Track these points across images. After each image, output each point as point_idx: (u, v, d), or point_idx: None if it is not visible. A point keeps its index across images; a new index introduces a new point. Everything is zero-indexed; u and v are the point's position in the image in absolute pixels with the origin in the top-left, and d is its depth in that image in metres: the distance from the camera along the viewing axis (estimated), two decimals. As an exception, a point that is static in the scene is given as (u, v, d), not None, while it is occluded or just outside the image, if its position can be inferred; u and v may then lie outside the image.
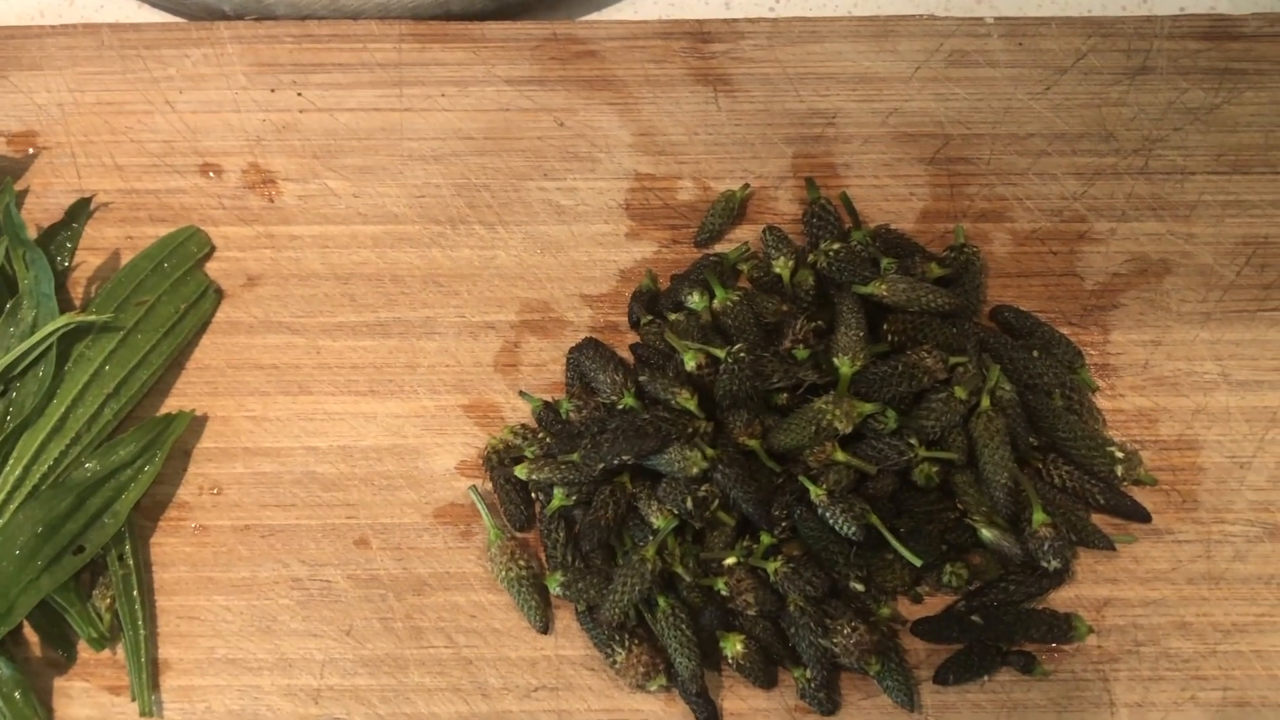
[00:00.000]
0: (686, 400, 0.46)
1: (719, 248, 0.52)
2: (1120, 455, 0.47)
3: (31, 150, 0.54)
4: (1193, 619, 0.47)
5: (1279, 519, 0.48)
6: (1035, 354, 0.49)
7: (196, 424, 0.50)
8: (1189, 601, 0.47)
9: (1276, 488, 0.49)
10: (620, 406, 0.47)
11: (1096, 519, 0.48)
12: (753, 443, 0.45)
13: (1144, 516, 0.47)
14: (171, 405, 0.51)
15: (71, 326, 0.49)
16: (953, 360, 0.47)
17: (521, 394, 0.50)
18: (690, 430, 0.46)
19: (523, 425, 0.50)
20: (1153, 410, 0.50)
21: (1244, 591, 0.47)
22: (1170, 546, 0.48)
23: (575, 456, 0.46)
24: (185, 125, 0.54)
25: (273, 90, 0.55)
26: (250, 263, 0.53)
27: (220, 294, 0.52)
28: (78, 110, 0.55)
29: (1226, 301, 0.51)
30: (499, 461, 0.49)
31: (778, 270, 0.50)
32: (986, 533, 0.45)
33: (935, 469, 0.46)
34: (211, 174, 0.54)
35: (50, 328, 0.48)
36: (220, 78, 0.55)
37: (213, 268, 0.53)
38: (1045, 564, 0.45)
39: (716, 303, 0.49)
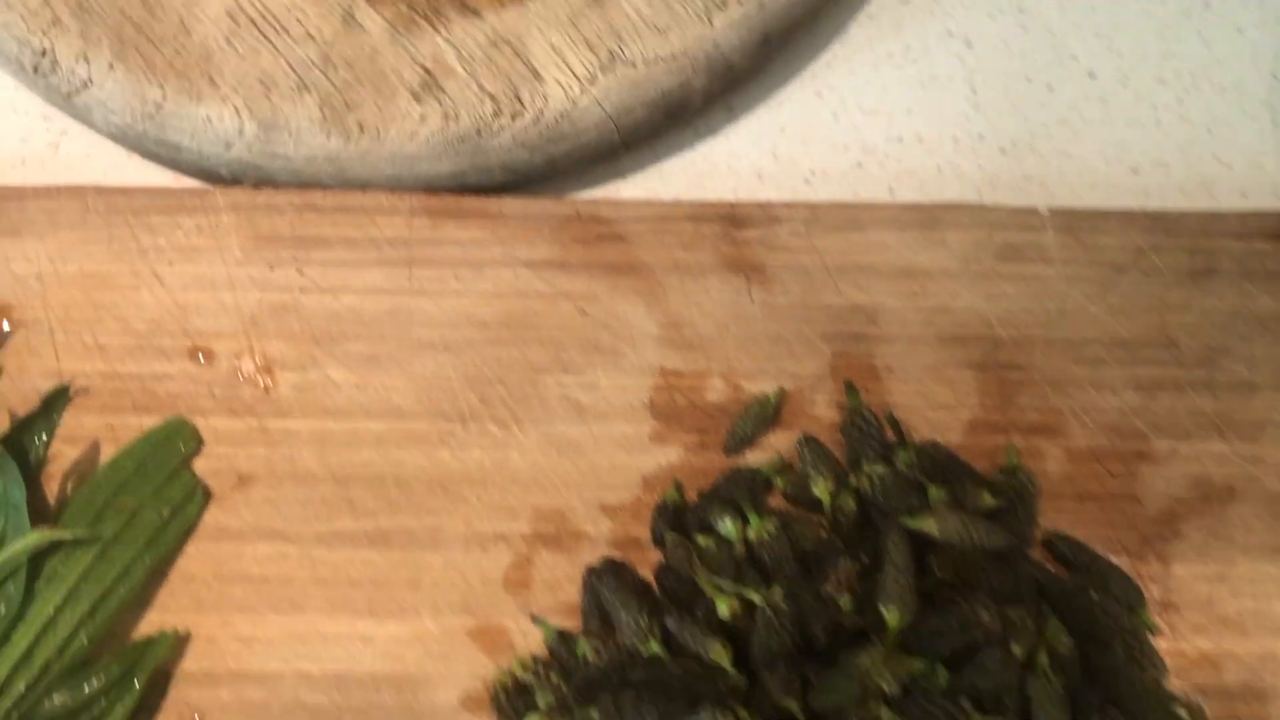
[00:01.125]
0: (720, 655, 0.42)
1: (751, 455, 0.49)
2: (1185, 716, 0.44)
3: (6, 325, 0.50)
4: None
5: (1353, 781, 0.45)
6: (1093, 595, 0.45)
7: (179, 643, 0.46)
8: None
9: (1349, 743, 0.45)
10: (645, 654, 0.43)
11: (1158, 783, 0.44)
12: (792, 705, 0.42)
13: (1209, 781, 0.44)
14: (152, 621, 0.47)
15: (45, 544, 0.45)
16: (1008, 612, 0.43)
17: (534, 619, 0.46)
18: (723, 689, 0.42)
19: (534, 657, 0.46)
20: (1217, 654, 0.46)
21: None
22: (1237, 812, 0.44)
23: (594, 715, 0.42)
24: (174, 302, 0.50)
25: (271, 267, 0.50)
26: (242, 460, 0.48)
27: (208, 495, 0.48)
28: (58, 282, 0.50)
29: (1296, 532, 0.48)
30: (508, 702, 0.45)
31: (817, 493, 0.46)
32: (1043, 809, 0.42)
33: (989, 740, 0.42)
34: (202, 358, 0.49)
35: (20, 546, 0.44)
36: (214, 250, 0.51)
37: (201, 465, 0.48)
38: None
39: (751, 532, 0.45)
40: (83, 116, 0.52)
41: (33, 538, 0.44)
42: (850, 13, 0.57)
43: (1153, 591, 0.47)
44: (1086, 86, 0.56)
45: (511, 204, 0.52)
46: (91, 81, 0.51)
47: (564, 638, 0.45)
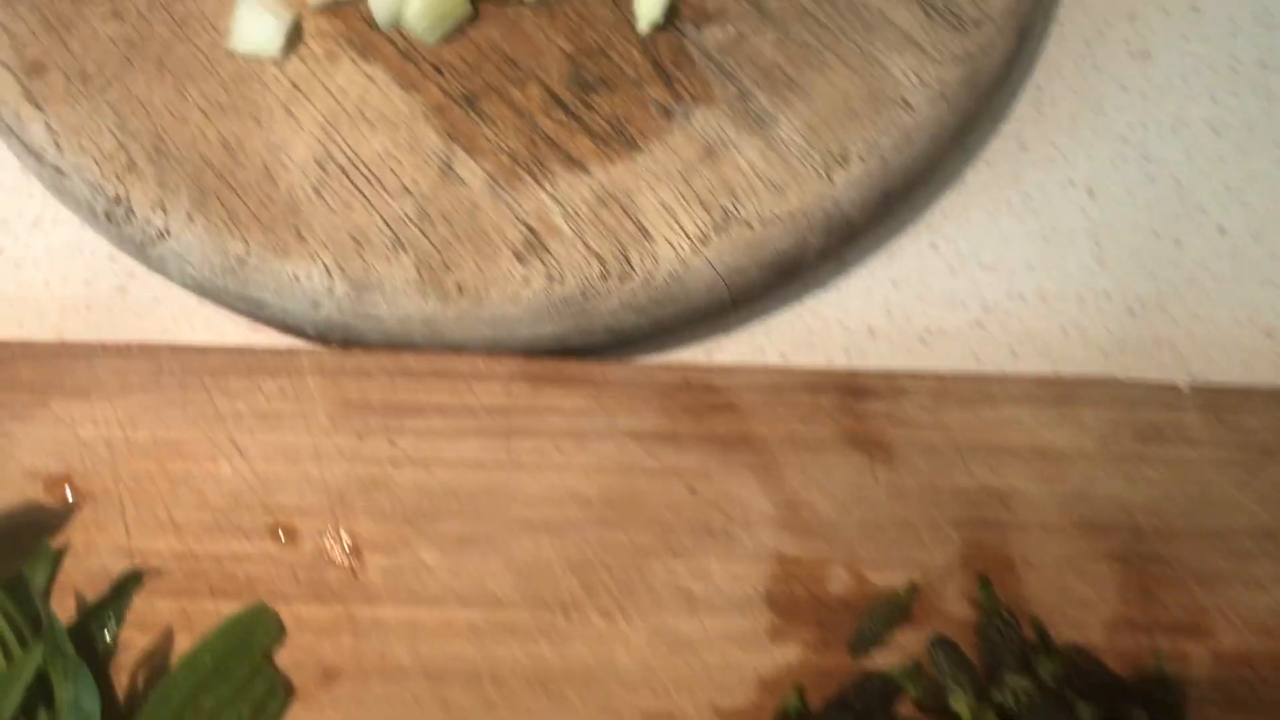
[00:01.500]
0: None
1: (879, 655, 0.45)
2: None
3: (72, 497, 0.46)
4: None
5: None
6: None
7: None
8: None
9: None
10: None
11: None
12: None
13: None
14: (230, 833, 0.43)
15: (119, 759, 0.41)
16: None
17: (646, 838, 0.43)
18: None
19: None
20: None
21: None
22: None
23: None
24: (255, 475, 0.47)
25: (360, 436, 0.47)
26: (327, 651, 0.45)
27: (291, 692, 0.44)
28: (129, 450, 0.47)
29: None
30: None
31: (956, 708, 0.43)
32: None
33: None
34: (283, 537, 0.46)
35: (93, 763, 0.40)
36: (298, 418, 0.47)
37: (283, 657, 0.45)
38: None
39: (887, 755, 0.42)
40: (157, 267, 0.49)
41: (107, 753, 0.40)
42: (966, 159, 0.54)
43: (1313, 817, 0.44)
44: (1217, 242, 0.53)
45: (617, 370, 0.48)
46: (169, 233, 0.48)
47: None
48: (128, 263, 0.52)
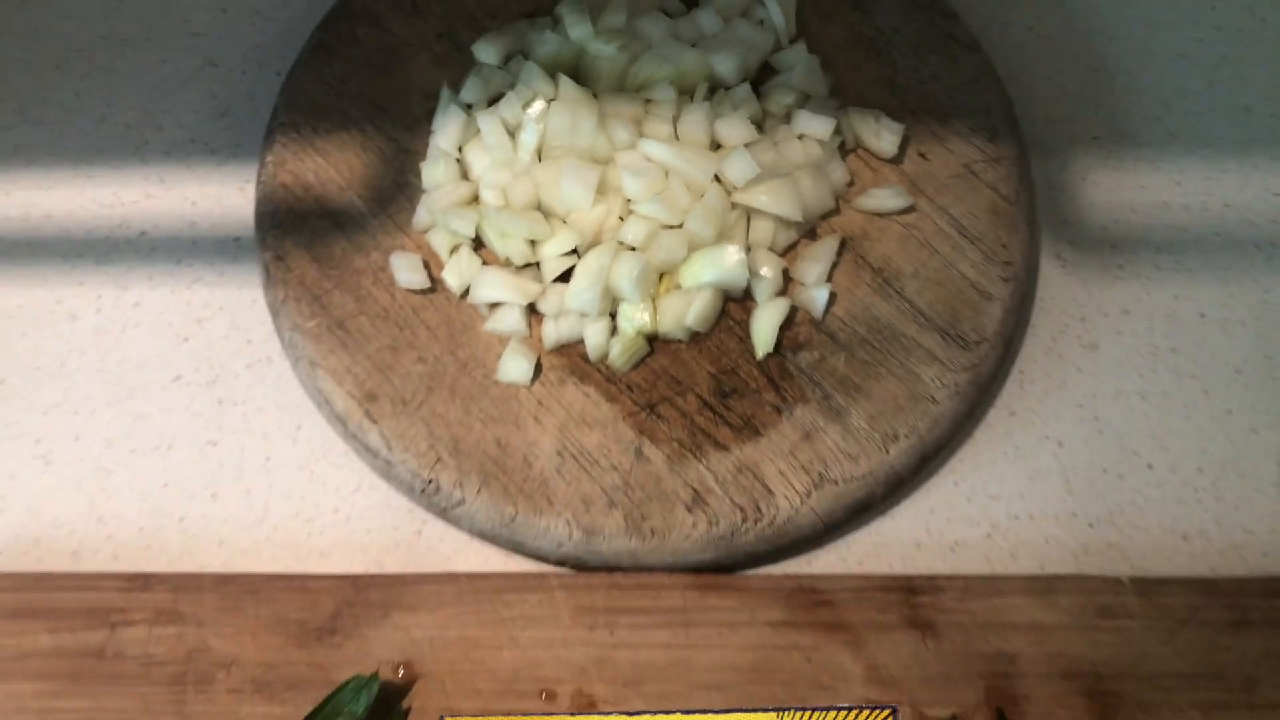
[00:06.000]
0: None
1: (933, 763, 0.70)
2: None
3: (409, 676, 0.72)
4: None
5: None
6: None
7: None
8: None
9: None
10: None
11: None
12: None
13: None
14: None
15: (471, 844, 0.66)
16: None
17: None
18: None
19: None
20: None
21: None
22: None
23: None
24: (526, 658, 0.72)
25: (591, 629, 0.73)
26: (581, 772, 0.70)
27: (561, 799, 0.70)
28: (444, 644, 0.73)
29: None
30: None
31: (986, 796, 0.67)
32: None
33: None
34: (547, 697, 0.72)
35: (456, 846, 0.65)
36: (551, 619, 0.73)
37: (553, 777, 0.70)
38: None
39: (945, 827, 0.66)
40: (453, 522, 0.75)
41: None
42: (976, 424, 0.80)
43: None
44: (1146, 475, 0.79)
45: (754, 579, 0.74)
46: (464, 501, 0.74)
47: None
48: (420, 514, 0.79)
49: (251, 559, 0.76)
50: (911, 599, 0.74)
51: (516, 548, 0.75)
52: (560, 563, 0.75)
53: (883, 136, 0.81)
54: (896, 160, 0.82)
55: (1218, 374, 0.81)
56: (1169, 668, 0.72)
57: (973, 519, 0.78)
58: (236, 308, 0.83)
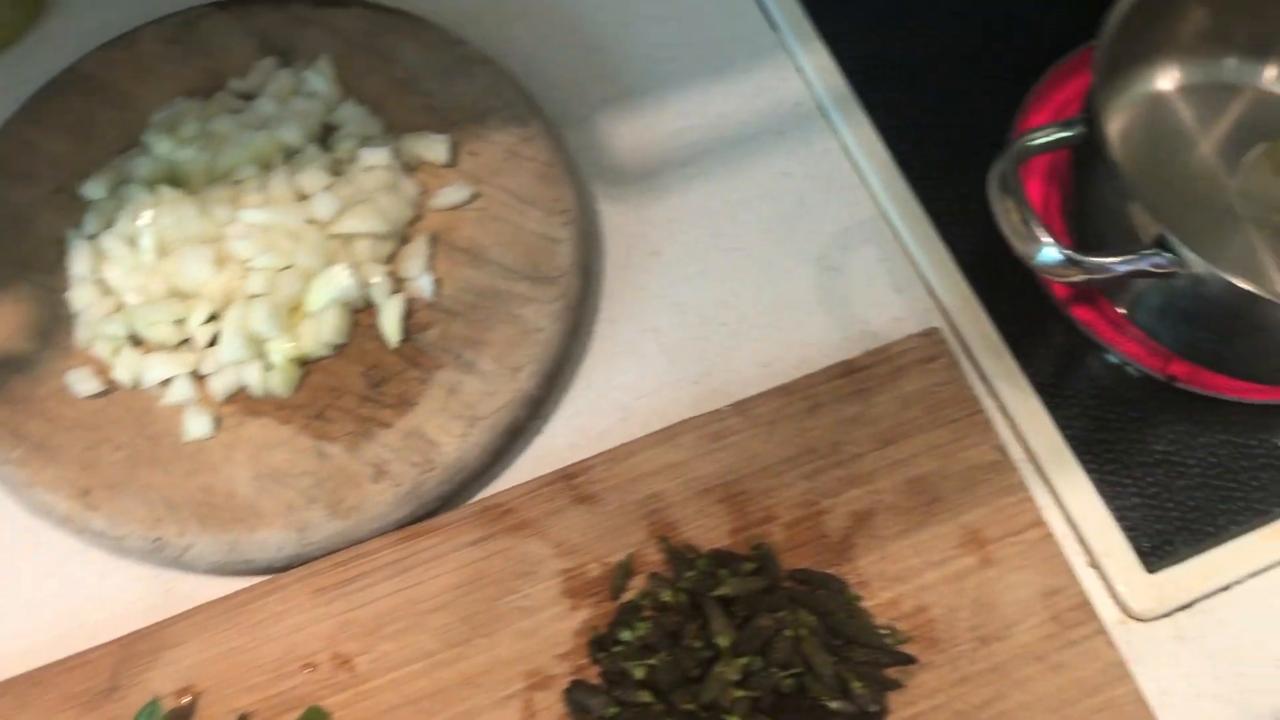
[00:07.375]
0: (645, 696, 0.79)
1: (626, 594, 0.87)
2: (889, 634, 0.83)
3: (193, 696, 0.84)
4: (962, 706, 0.82)
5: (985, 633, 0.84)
6: (822, 592, 0.85)
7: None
8: (956, 699, 0.82)
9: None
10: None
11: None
12: (691, 705, 0.79)
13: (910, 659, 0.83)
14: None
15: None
16: (779, 615, 0.82)
17: (549, 727, 0.82)
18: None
19: (557, 746, 0.81)
20: (895, 598, 0.86)
21: (983, 680, 0.83)
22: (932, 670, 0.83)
23: (599, 751, 0.78)
24: (283, 645, 0.85)
25: (329, 603, 0.86)
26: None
27: (347, 739, 0.83)
28: (213, 661, 0.84)
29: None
30: (554, 772, 0.80)
31: (665, 599, 0.85)
32: (833, 704, 0.80)
33: (791, 679, 0.80)
34: (311, 668, 0.85)
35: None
36: (294, 609, 0.86)
37: (336, 725, 0.83)
38: (871, 708, 0.80)
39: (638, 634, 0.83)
40: (189, 568, 0.88)
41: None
42: (588, 337, 0.98)
43: (851, 579, 0.86)
44: (724, 331, 0.98)
45: (448, 516, 0.90)
46: (192, 544, 0.87)
47: (568, 730, 0.82)
48: (165, 573, 0.90)
49: (30, 661, 0.86)
50: (572, 482, 0.91)
51: (248, 567, 0.88)
52: (288, 565, 0.88)
53: (435, 149, 0.99)
54: (453, 164, 1.00)
55: (751, 240, 1.02)
56: (774, 458, 0.91)
57: (607, 410, 0.96)
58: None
